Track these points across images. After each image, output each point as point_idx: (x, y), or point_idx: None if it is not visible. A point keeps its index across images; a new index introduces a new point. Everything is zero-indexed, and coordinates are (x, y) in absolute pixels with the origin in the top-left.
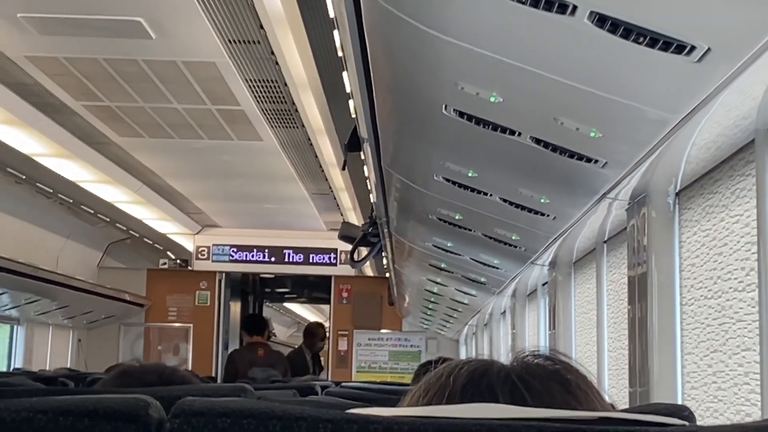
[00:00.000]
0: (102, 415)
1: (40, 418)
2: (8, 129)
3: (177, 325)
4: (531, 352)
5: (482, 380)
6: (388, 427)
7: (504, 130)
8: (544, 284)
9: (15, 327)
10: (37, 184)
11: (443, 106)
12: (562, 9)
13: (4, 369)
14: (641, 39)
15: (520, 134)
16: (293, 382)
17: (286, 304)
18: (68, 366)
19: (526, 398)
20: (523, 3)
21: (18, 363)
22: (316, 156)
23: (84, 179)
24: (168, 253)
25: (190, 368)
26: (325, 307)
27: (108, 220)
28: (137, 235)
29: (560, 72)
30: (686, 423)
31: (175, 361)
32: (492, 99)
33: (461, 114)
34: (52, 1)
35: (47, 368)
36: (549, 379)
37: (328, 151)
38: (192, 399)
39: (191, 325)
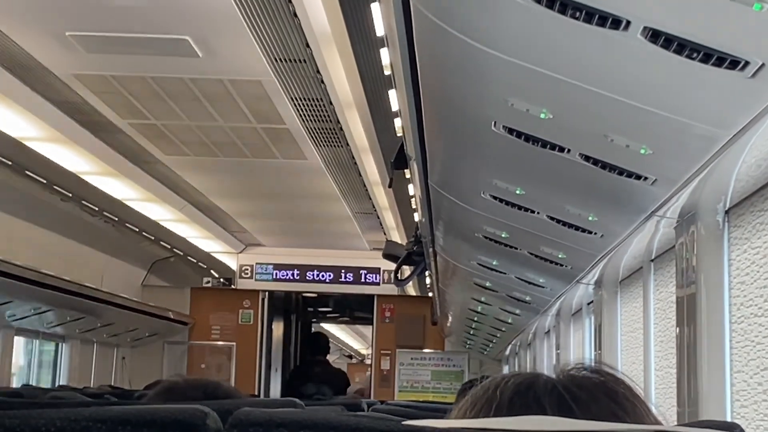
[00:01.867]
0: (160, 424)
1: (99, 427)
2: (55, 147)
3: (220, 343)
4: (576, 364)
5: (529, 392)
6: None
7: (553, 146)
8: (589, 303)
9: (60, 344)
10: (83, 202)
11: (492, 123)
12: (616, 24)
13: (48, 386)
14: (695, 54)
15: (569, 151)
16: (339, 399)
17: (325, 325)
18: (112, 383)
19: (573, 409)
20: (577, 18)
21: (63, 380)
22: (360, 175)
23: (129, 197)
24: (212, 271)
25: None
26: (366, 331)
27: (152, 238)
28: (181, 254)
29: (611, 88)
30: None
31: (219, 380)
32: (542, 115)
33: (510, 131)
34: (99, 19)
35: (91, 385)
36: (596, 390)
37: (372, 169)
38: (249, 410)
39: (234, 343)
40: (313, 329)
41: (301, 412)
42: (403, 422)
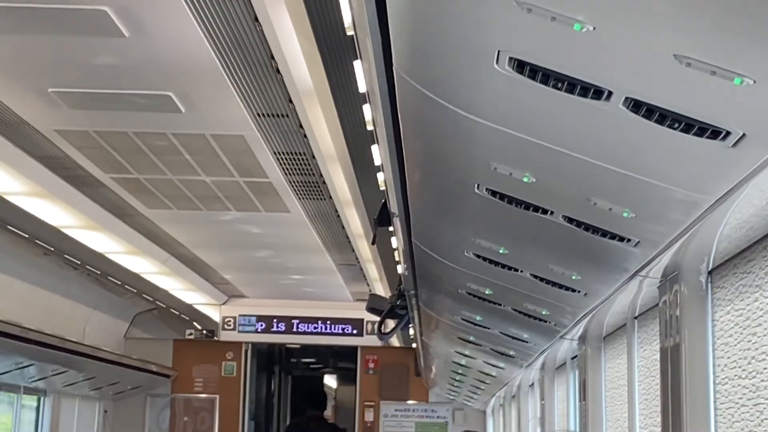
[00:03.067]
0: None
1: None
2: (37, 201)
3: (203, 396)
4: None
5: None
6: None
7: (536, 209)
8: (573, 358)
9: (42, 398)
10: (65, 256)
11: (476, 185)
12: (598, 95)
13: None
14: (676, 124)
15: (552, 213)
16: None
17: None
18: None
19: None
20: (559, 89)
21: None
22: (344, 227)
23: (112, 250)
24: (194, 323)
25: None
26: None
27: (135, 291)
28: (164, 306)
29: (594, 154)
30: None
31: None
32: (525, 179)
33: (494, 193)
34: (82, 75)
35: None
36: None
37: (355, 222)
38: None
39: (217, 396)
40: (311, 382)
41: None
42: None
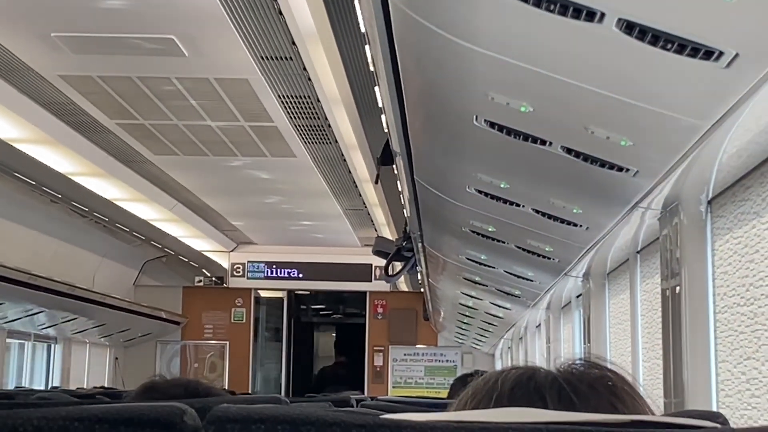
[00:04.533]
0: (138, 422)
1: (76, 426)
2: (43, 148)
3: (213, 342)
4: (575, 360)
5: (530, 383)
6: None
7: (535, 140)
8: (578, 296)
9: (52, 346)
10: (73, 203)
11: (474, 117)
12: (590, 17)
13: (42, 387)
14: (669, 45)
15: (551, 144)
16: (330, 396)
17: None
18: (105, 384)
19: (573, 401)
20: (551, 11)
21: (56, 381)
22: (350, 172)
23: (119, 198)
24: (203, 270)
25: (226, 385)
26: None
27: (143, 238)
28: (173, 253)
29: (590, 80)
30: (718, 426)
31: (213, 378)
32: (522, 109)
33: (492, 124)
34: (85, 20)
35: (85, 386)
36: (595, 383)
37: (361, 166)
38: (227, 406)
39: (227, 342)
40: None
41: (280, 407)
42: (381, 416)
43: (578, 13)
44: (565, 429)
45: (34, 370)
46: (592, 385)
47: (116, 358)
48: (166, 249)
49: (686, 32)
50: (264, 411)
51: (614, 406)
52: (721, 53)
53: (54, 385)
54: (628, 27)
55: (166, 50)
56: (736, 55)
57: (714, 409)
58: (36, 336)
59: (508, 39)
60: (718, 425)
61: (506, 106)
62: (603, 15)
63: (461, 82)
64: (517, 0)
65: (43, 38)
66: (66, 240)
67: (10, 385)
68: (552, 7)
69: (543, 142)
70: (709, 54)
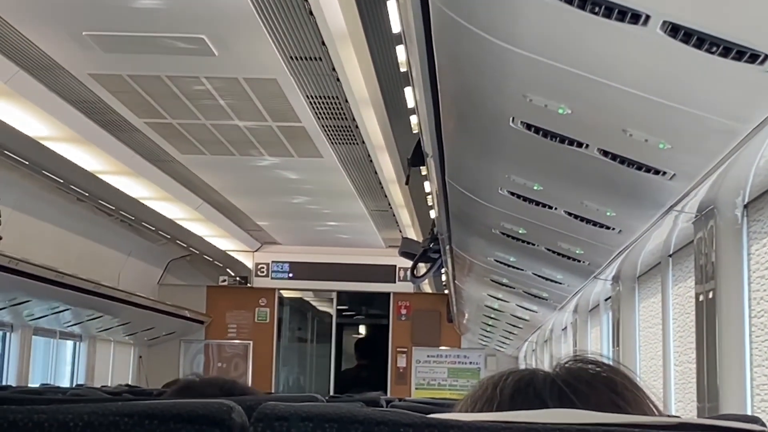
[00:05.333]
0: (187, 418)
1: (126, 422)
2: (72, 146)
3: (237, 341)
4: (572, 357)
5: (528, 389)
6: (468, 431)
7: (571, 142)
8: (606, 299)
9: (77, 343)
10: (100, 202)
11: (510, 119)
12: (635, 19)
13: (67, 385)
14: (714, 48)
15: (587, 146)
16: (355, 396)
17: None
18: (129, 382)
19: (574, 402)
20: (596, 13)
21: (80, 379)
22: (376, 173)
23: (145, 196)
24: (228, 270)
25: (249, 384)
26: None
27: (169, 237)
28: (197, 252)
29: (630, 83)
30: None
31: (236, 377)
32: (560, 111)
33: (528, 126)
34: (116, 19)
35: (109, 384)
36: (594, 381)
37: (388, 167)
38: (274, 404)
39: (251, 341)
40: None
41: (326, 405)
42: (430, 416)
43: (623, 15)
44: (610, 430)
45: (58, 367)
46: (590, 384)
47: (140, 357)
48: (191, 248)
49: (732, 36)
50: (312, 409)
51: (615, 403)
52: (766, 57)
53: (78, 382)
54: (673, 30)
55: (196, 50)
56: None
57: (749, 413)
58: (61, 333)
59: (548, 40)
60: (764, 429)
61: (544, 107)
62: (648, 18)
63: (499, 82)
64: (560, 2)
65: (75, 37)
66: (92, 238)
67: (35, 382)
68: (596, 9)
69: (579, 144)
70: (754, 57)
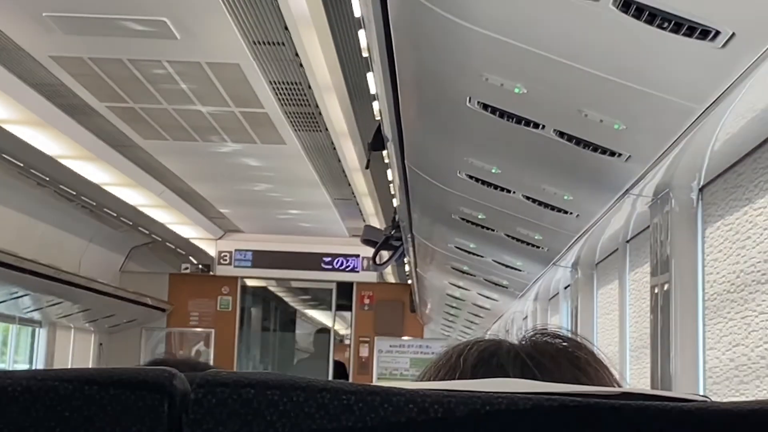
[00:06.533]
0: (127, 384)
1: (66, 387)
2: (32, 129)
3: (199, 329)
4: (539, 330)
5: (492, 359)
6: (411, 399)
7: (528, 123)
8: (566, 287)
9: (37, 330)
10: (60, 186)
11: (468, 99)
12: None
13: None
14: (665, 24)
15: (544, 127)
16: None
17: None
18: None
19: (536, 376)
20: None
21: (39, 366)
22: (339, 160)
23: (107, 182)
24: (190, 257)
25: None
26: (346, 313)
27: (131, 223)
28: (160, 240)
29: (585, 61)
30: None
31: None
32: (516, 90)
33: (485, 107)
34: (77, 0)
35: None
36: (558, 356)
37: (351, 155)
38: (217, 371)
39: (213, 330)
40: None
41: (269, 373)
42: (371, 384)
43: None
44: (555, 399)
45: (18, 354)
46: (554, 358)
47: (101, 344)
48: (153, 235)
49: (683, 11)
50: (254, 376)
51: (577, 379)
52: (717, 33)
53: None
54: (625, 5)
55: (158, 32)
56: (732, 34)
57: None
58: (21, 320)
59: (505, 17)
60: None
61: (500, 87)
62: None
63: (456, 61)
64: None
65: (35, 18)
66: (53, 224)
67: None
68: None
69: (536, 125)
70: (705, 33)
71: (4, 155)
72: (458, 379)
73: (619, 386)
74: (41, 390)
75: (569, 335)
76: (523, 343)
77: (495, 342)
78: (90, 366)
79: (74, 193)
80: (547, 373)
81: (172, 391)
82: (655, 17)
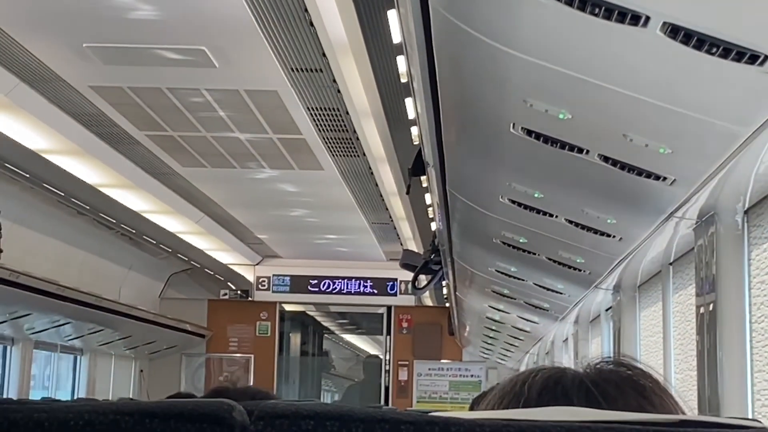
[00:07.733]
0: (188, 417)
1: (127, 420)
2: (72, 159)
3: (238, 355)
4: (603, 359)
5: (557, 387)
6: (469, 428)
7: (572, 148)
8: (607, 309)
9: (78, 357)
10: (100, 215)
11: (511, 125)
12: (635, 20)
13: (68, 399)
14: (714, 49)
15: (588, 152)
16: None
17: (345, 336)
18: (130, 396)
19: (601, 404)
20: (596, 15)
21: (81, 393)
22: (377, 185)
23: (146, 210)
24: (229, 283)
25: None
26: (380, 338)
27: (170, 250)
28: (198, 266)
29: (631, 86)
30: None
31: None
32: (561, 116)
33: (529, 132)
34: (116, 31)
35: (110, 398)
36: (623, 384)
37: (389, 179)
38: (275, 402)
39: (252, 355)
40: (331, 341)
41: (327, 404)
42: (430, 413)
43: (623, 16)
44: (613, 428)
45: (59, 381)
46: (619, 386)
47: (141, 371)
48: (191, 262)
49: (732, 37)
50: (313, 407)
51: (643, 408)
52: (766, 57)
53: (79, 396)
54: (673, 31)
55: (196, 61)
56: None
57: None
58: (62, 347)
59: (549, 43)
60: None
61: (544, 113)
62: (648, 19)
63: (499, 88)
64: (560, 3)
65: (75, 49)
66: (93, 252)
67: (36, 396)
68: (596, 10)
69: (580, 150)
70: (754, 58)
71: (45, 185)
72: (523, 406)
73: (684, 414)
74: (103, 424)
75: (634, 364)
76: (588, 371)
77: (560, 370)
78: (131, 392)
79: (114, 221)
80: (612, 402)
81: (232, 423)
82: (703, 42)
